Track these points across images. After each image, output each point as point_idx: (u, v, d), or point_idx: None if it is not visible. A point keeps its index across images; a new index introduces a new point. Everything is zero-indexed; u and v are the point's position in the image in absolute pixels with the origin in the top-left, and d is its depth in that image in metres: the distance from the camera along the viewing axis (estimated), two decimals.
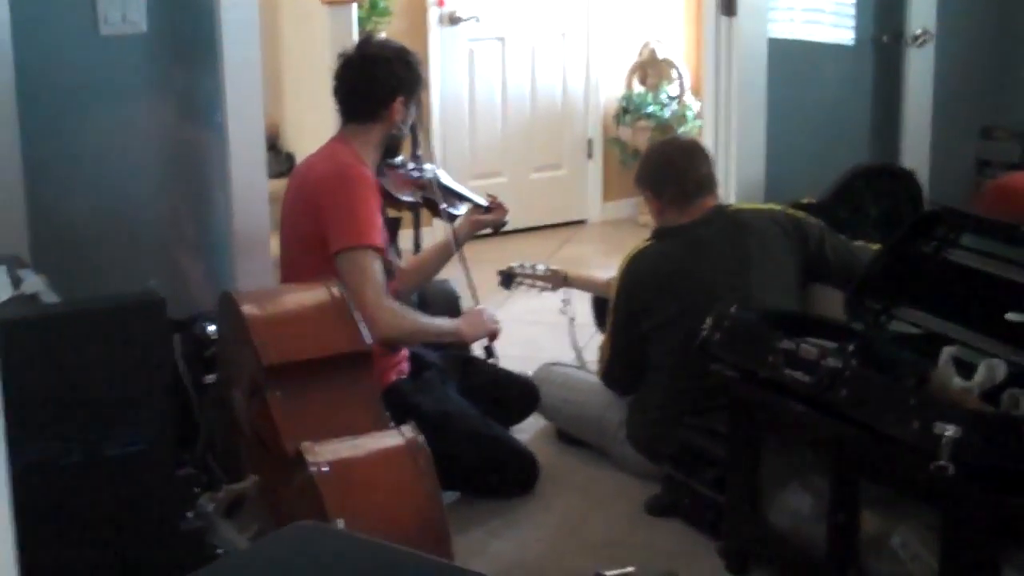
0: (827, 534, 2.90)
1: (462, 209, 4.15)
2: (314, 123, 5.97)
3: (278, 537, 2.07)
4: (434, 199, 4.05)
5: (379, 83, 3.74)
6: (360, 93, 3.76)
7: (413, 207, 4.16)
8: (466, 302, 4.22)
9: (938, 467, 2.47)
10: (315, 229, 3.59)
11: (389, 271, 3.72)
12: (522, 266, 4.38)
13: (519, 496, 3.70)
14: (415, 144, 4.17)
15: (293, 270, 3.71)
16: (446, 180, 4.16)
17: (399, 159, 4.02)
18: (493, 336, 3.90)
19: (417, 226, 4.72)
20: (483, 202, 4.19)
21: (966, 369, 2.83)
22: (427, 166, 4.11)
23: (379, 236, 3.60)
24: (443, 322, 3.83)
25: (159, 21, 3.73)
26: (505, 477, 3.73)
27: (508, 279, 4.39)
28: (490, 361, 3.94)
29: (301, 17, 6.33)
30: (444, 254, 4.14)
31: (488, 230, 4.24)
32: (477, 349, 4.08)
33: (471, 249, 4.15)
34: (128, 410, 2.58)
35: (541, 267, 4.36)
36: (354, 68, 3.78)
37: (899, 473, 2.74)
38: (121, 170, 3.78)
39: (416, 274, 4.14)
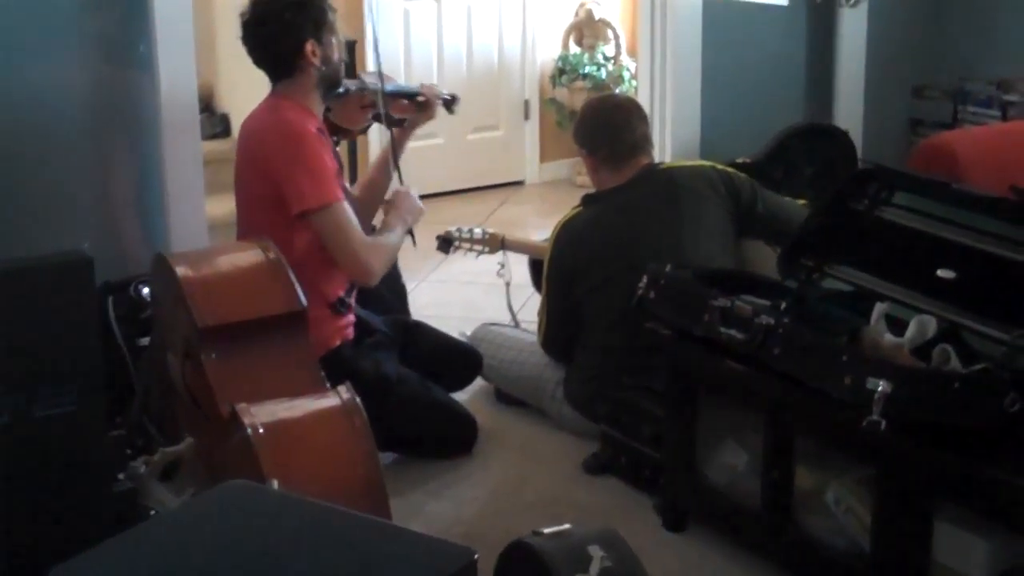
0: (763, 490, 2.93)
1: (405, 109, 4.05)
2: (248, 83, 5.88)
3: (208, 496, 2.07)
4: (380, 112, 3.91)
5: (280, 38, 3.58)
6: (268, 54, 3.63)
7: (366, 130, 4.06)
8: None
9: (870, 422, 2.50)
10: (268, 190, 3.53)
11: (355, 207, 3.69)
12: (459, 230, 4.39)
13: (457, 457, 3.71)
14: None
15: (252, 231, 3.62)
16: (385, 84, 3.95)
17: (342, 88, 3.85)
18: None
19: (353, 155, 4.60)
20: (416, 89, 4.07)
21: (898, 325, 2.86)
22: (365, 77, 3.98)
23: (338, 187, 3.55)
24: (394, 232, 3.69)
25: None
26: (444, 439, 3.73)
27: (446, 243, 4.39)
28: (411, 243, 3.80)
29: None
30: (388, 167, 4.01)
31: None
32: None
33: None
34: (57, 371, 2.56)
35: (478, 231, 4.37)
36: (251, 31, 3.63)
37: (832, 429, 2.77)
38: (50, 130, 3.71)
39: (369, 196, 4.02)
